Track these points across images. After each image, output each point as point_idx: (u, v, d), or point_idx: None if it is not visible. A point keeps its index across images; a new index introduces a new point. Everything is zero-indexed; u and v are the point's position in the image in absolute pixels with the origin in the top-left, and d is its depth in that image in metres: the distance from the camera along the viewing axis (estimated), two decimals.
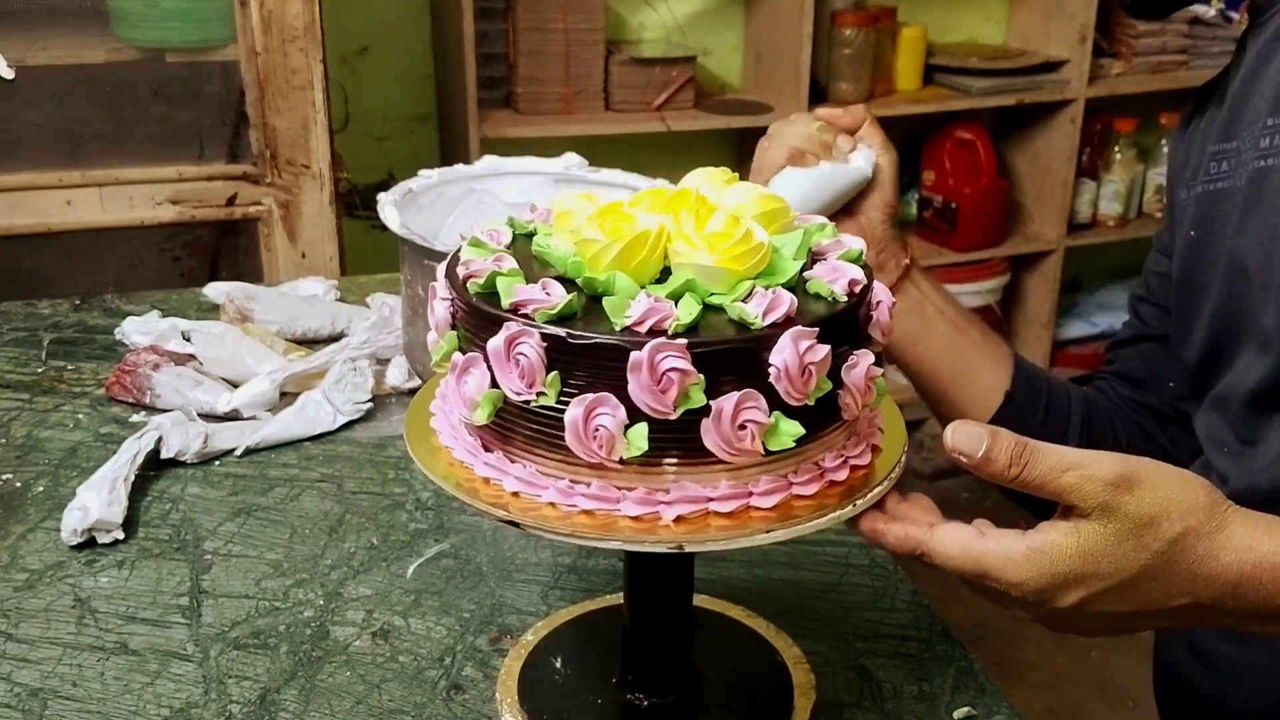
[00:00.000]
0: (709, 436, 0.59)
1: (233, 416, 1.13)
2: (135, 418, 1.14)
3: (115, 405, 1.16)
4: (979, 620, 2.41)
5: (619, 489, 0.61)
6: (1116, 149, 2.91)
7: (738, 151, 2.85)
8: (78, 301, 1.39)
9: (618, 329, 0.59)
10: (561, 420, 0.60)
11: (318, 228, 1.84)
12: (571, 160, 1.22)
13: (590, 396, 0.59)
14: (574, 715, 0.76)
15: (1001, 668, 2.24)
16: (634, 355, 0.58)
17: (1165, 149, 2.95)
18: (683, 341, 0.58)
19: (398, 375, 1.19)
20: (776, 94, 2.65)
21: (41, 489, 1.03)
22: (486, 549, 0.96)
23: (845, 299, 0.63)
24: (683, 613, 0.75)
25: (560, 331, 0.59)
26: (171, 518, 0.99)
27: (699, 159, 2.79)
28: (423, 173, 1.18)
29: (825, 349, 0.60)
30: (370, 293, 1.35)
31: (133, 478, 1.01)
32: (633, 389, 0.58)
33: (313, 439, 1.11)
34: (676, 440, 0.60)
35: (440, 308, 0.66)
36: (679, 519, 0.61)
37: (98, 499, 0.96)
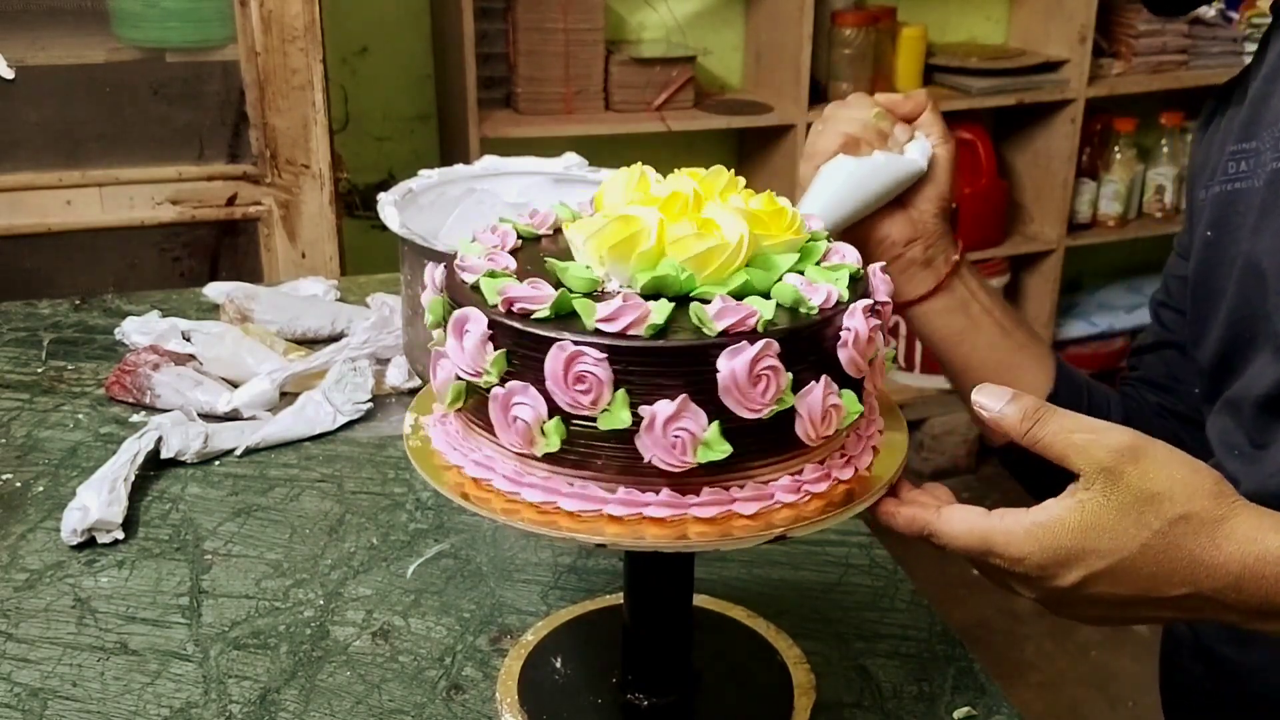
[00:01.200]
0: (643, 441, 0.59)
1: (233, 416, 1.13)
2: (135, 418, 1.14)
3: (115, 405, 1.16)
4: (979, 620, 2.41)
5: (566, 481, 0.62)
6: (1116, 149, 2.91)
7: (738, 151, 2.86)
8: (78, 301, 1.39)
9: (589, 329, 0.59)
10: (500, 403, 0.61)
11: (318, 228, 1.84)
12: (571, 160, 1.22)
13: (513, 383, 0.60)
14: (574, 715, 0.76)
15: (1001, 668, 2.24)
16: (551, 351, 0.58)
17: (1165, 149, 2.96)
18: (643, 343, 0.58)
19: (398, 375, 1.19)
20: (776, 94, 2.65)
21: (41, 489, 1.03)
22: (486, 549, 0.96)
23: (816, 313, 0.61)
24: (683, 613, 0.75)
25: (530, 328, 0.60)
26: (171, 518, 0.99)
27: (699, 159, 2.78)
28: (423, 173, 1.18)
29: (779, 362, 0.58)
30: (370, 293, 1.35)
31: (133, 478, 1.01)
32: (549, 384, 0.59)
33: (313, 439, 1.11)
34: (607, 443, 0.60)
35: (432, 285, 0.67)
36: (612, 518, 0.61)
37: (98, 499, 0.96)
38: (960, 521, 0.64)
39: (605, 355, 0.58)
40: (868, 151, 0.92)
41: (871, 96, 0.97)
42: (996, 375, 0.96)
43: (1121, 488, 0.60)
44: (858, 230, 0.94)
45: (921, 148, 0.94)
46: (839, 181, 0.91)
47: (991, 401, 0.64)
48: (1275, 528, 0.61)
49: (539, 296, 0.60)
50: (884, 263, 0.80)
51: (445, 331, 0.64)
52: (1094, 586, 0.62)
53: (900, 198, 0.95)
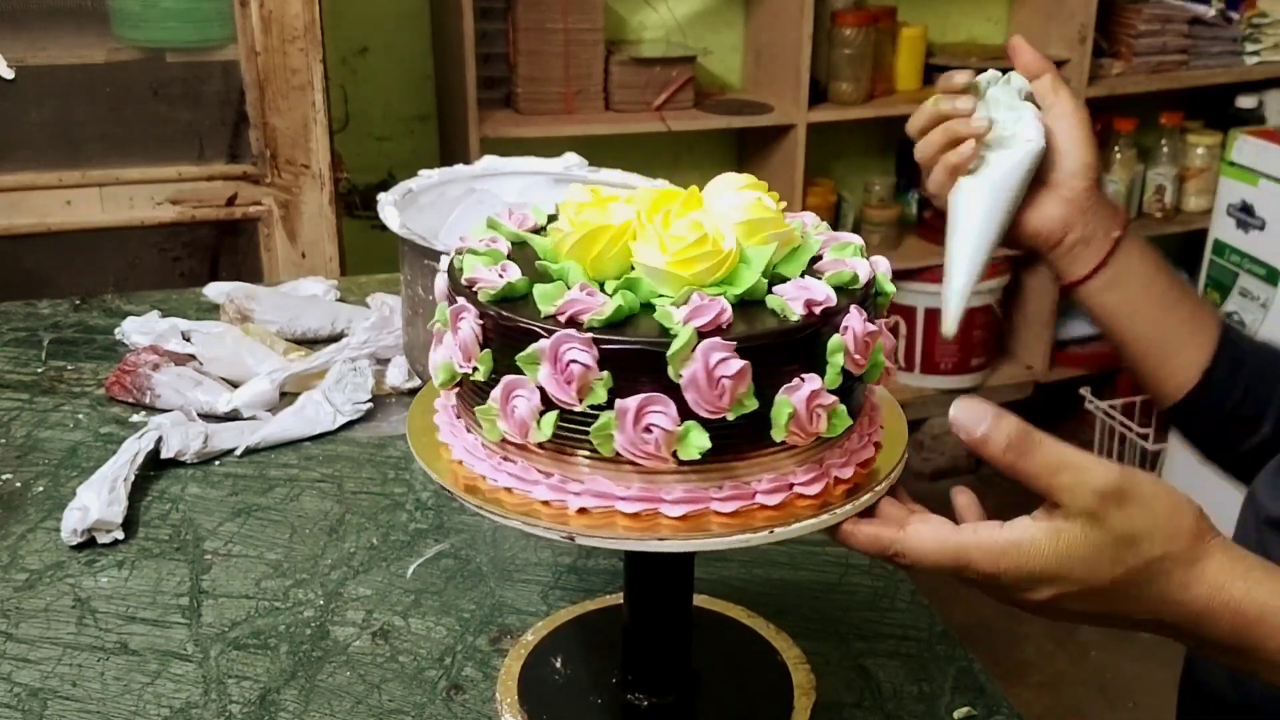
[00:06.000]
0: (615, 435, 0.59)
1: (233, 416, 1.13)
2: (135, 418, 1.14)
3: (115, 405, 1.16)
4: (979, 620, 2.41)
5: (538, 471, 0.62)
6: (1116, 149, 2.91)
7: (738, 151, 2.86)
8: (78, 301, 1.39)
9: (542, 316, 0.60)
10: (487, 395, 0.62)
11: (318, 228, 1.84)
12: (571, 160, 1.22)
13: (510, 378, 0.61)
14: (574, 715, 0.76)
15: (1001, 668, 2.24)
16: (541, 343, 0.59)
17: (1165, 149, 2.96)
18: (589, 336, 0.58)
19: (398, 375, 1.19)
20: (776, 94, 2.65)
21: (41, 489, 1.03)
22: (486, 549, 0.96)
23: (798, 318, 0.60)
24: (683, 613, 0.75)
25: (493, 311, 0.61)
26: (171, 518, 0.99)
27: (699, 159, 2.80)
28: (423, 173, 1.18)
29: (741, 364, 0.58)
30: (370, 293, 1.35)
31: (133, 478, 1.01)
32: (543, 376, 0.59)
33: (313, 439, 1.11)
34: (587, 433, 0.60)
35: (437, 287, 0.69)
36: (581, 510, 0.61)
37: (98, 499, 0.96)
38: (931, 538, 0.63)
39: (592, 347, 0.58)
40: (977, 163, 0.88)
41: (946, 77, 0.91)
42: (1154, 350, 0.93)
43: (1103, 528, 0.60)
44: (1013, 232, 0.91)
45: (1030, 122, 0.86)
46: (976, 214, 0.87)
47: (971, 423, 0.61)
48: (1245, 575, 0.62)
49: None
50: (1049, 252, 0.77)
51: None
52: (1063, 604, 0.62)
53: (1044, 178, 0.89)
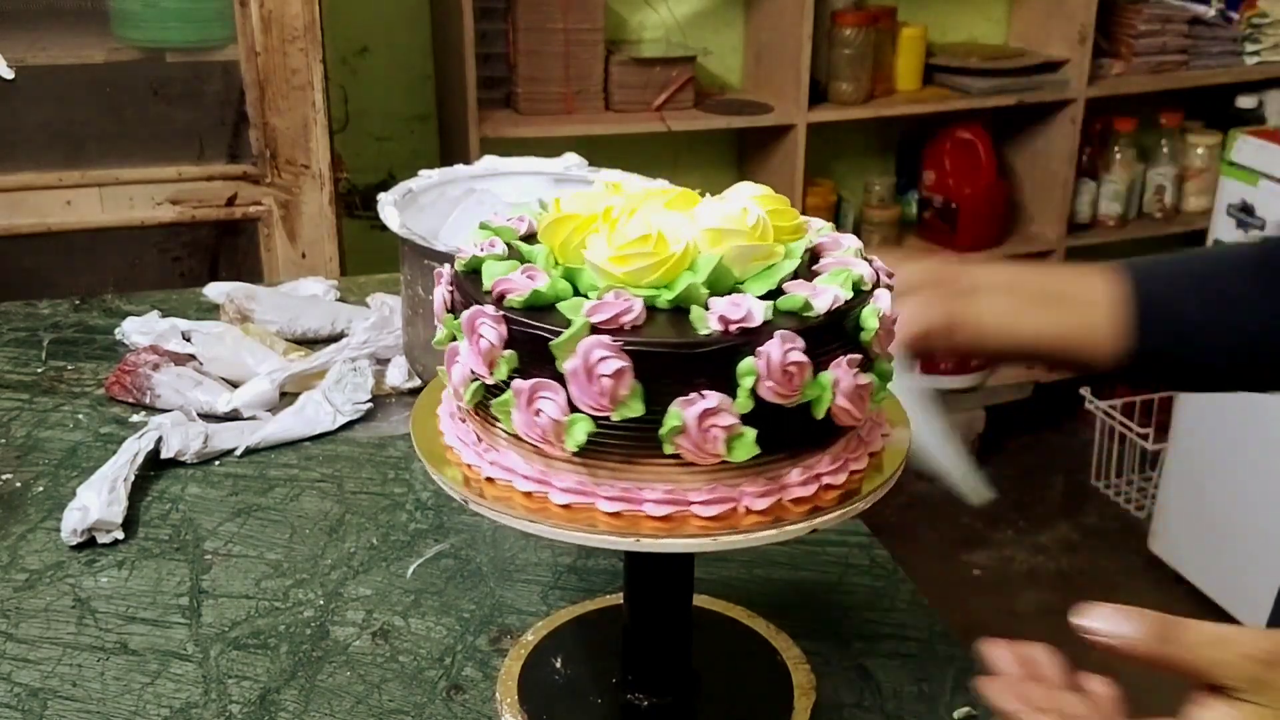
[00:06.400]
0: (513, 414, 0.61)
1: (233, 416, 1.13)
2: (135, 418, 1.14)
3: (115, 405, 1.16)
4: (979, 620, 2.41)
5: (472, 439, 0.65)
6: (1116, 149, 2.91)
7: (738, 151, 2.86)
8: (78, 301, 1.39)
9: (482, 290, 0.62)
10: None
11: (318, 228, 1.84)
12: (571, 160, 1.22)
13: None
14: (574, 715, 0.76)
15: None
16: (464, 314, 0.62)
17: (1165, 149, 2.96)
18: (500, 314, 0.61)
19: (398, 375, 1.19)
20: (776, 94, 2.65)
21: (41, 489, 1.03)
22: (486, 549, 0.96)
23: (708, 332, 0.59)
24: (683, 613, 0.75)
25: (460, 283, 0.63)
26: (171, 518, 0.99)
27: (699, 159, 2.80)
28: (423, 173, 1.18)
29: (620, 365, 0.57)
30: (370, 293, 1.35)
31: (133, 478, 1.01)
32: (462, 350, 0.63)
33: (313, 439, 1.11)
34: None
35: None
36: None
37: (98, 499, 0.96)
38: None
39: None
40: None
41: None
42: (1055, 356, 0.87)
43: (1274, 692, 0.57)
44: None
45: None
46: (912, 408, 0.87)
47: (1111, 628, 0.60)
48: None
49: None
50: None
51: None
52: None
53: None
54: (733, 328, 0.59)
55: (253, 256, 1.87)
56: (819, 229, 0.70)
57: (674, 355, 0.58)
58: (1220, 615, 2.37)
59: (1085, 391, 2.86)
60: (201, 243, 1.88)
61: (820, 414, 0.61)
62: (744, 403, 0.59)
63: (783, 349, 0.58)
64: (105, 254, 1.86)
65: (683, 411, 0.58)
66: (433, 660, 0.83)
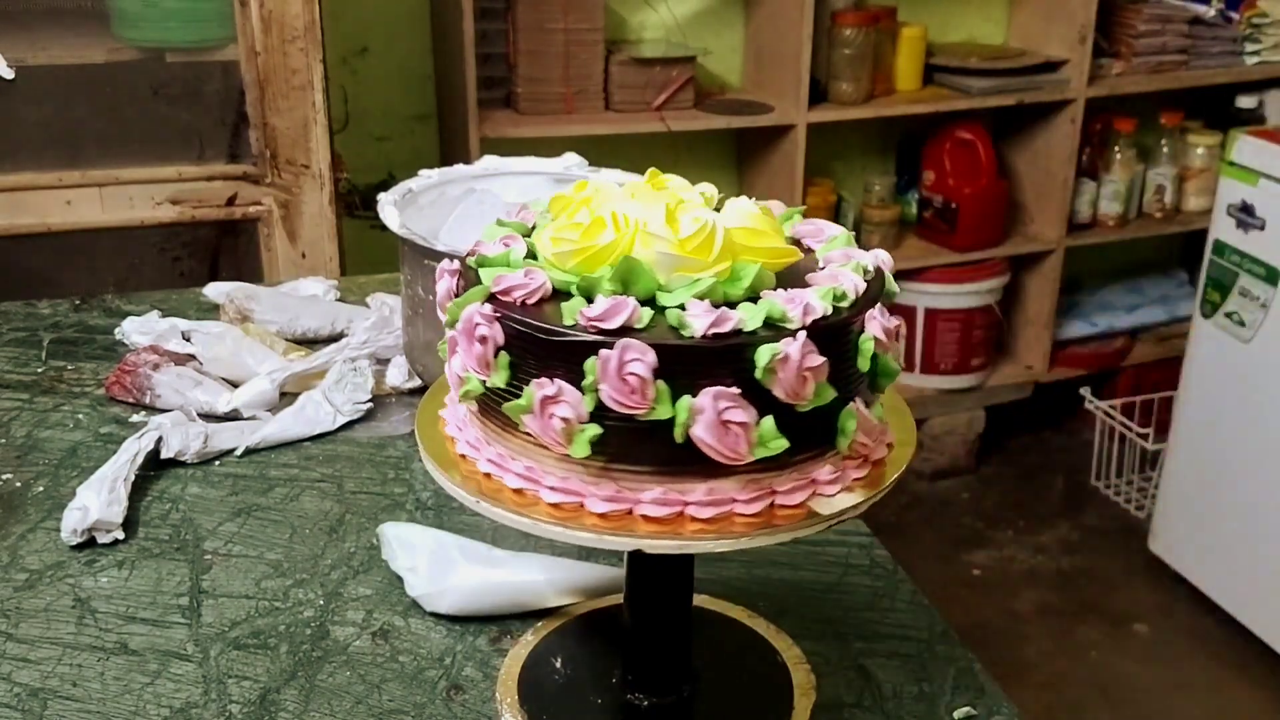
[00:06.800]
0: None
1: (233, 416, 1.13)
2: (135, 418, 1.14)
3: (115, 405, 1.16)
4: (979, 620, 2.41)
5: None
6: (1116, 149, 2.91)
7: (737, 152, 2.85)
8: (78, 301, 1.39)
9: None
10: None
11: (318, 228, 1.84)
12: (571, 160, 1.22)
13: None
14: (574, 715, 0.76)
15: (1001, 668, 2.24)
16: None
17: (1165, 149, 2.96)
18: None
19: (398, 375, 1.19)
20: (776, 94, 2.64)
21: (41, 489, 1.03)
22: None
23: (579, 324, 0.60)
24: (683, 613, 0.75)
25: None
26: (171, 518, 0.99)
27: (699, 159, 2.79)
28: (423, 173, 1.18)
29: (487, 332, 0.62)
30: (370, 293, 1.35)
31: (133, 478, 1.01)
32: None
33: (313, 439, 1.11)
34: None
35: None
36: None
37: (98, 499, 0.96)
38: None
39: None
40: None
41: None
42: None
43: None
44: None
45: None
46: None
47: None
48: None
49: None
50: None
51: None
52: None
53: None
54: (590, 324, 0.60)
55: (253, 256, 1.86)
56: (830, 238, 0.70)
57: (535, 337, 0.61)
58: (1220, 615, 2.37)
59: (1085, 391, 2.86)
60: (201, 243, 1.88)
61: (679, 437, 0.60)
62: (589, 399, 0.60)
63: (621, 357, 0.58)
64: (105, 254, 1.86)
65: (534, 393, 0.60)
66: (433, 660, 0.83)
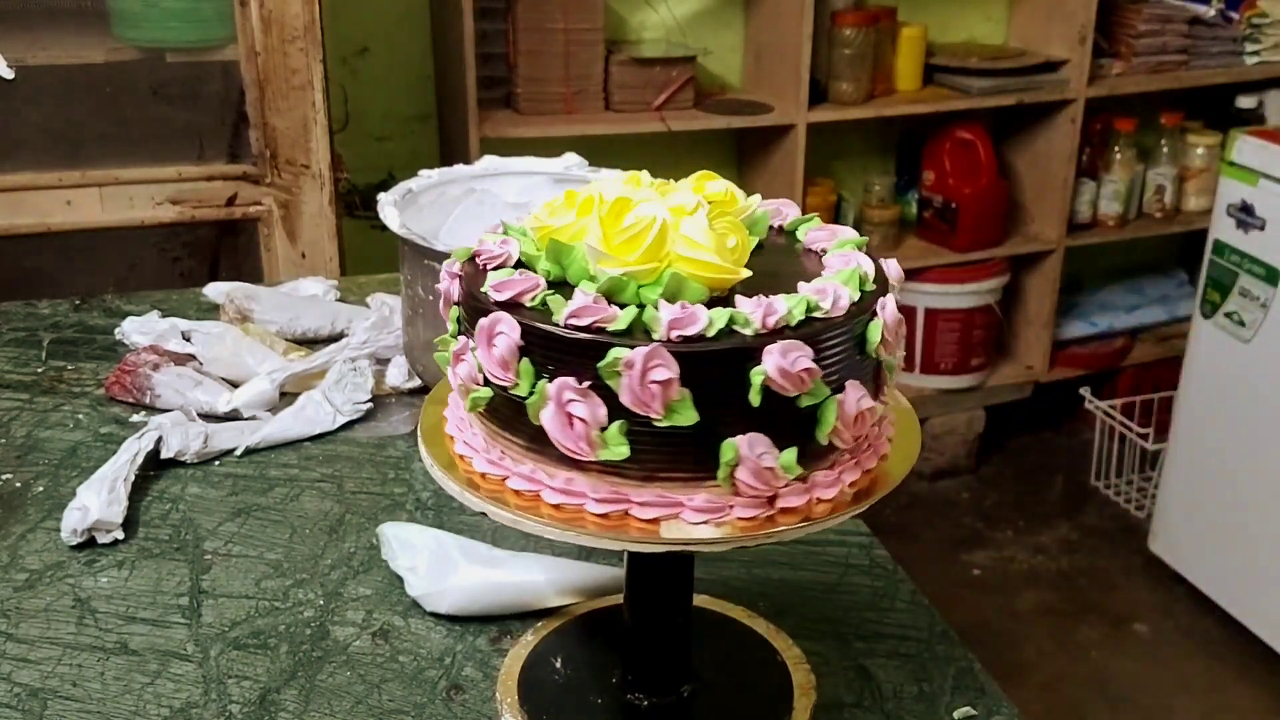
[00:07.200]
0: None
1: (233, 416, 1.13)
2: (135, 418, 1.14)
3: (115, 405, 1.16)
4: (979, 620, 2.41)
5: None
6: (1116, 149, 2.91)
7: (737, 151, 2.85)
8: (78, 301, 1.39)
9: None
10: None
11: (318, 228, 1.84)
12: (571, 160, 1.22)
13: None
14: (574, 715, 0.76)
15: (1001, 668, 2.24)
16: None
17: (1165, 149, 2.95)
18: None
19: (398, 375, 1.19)
20: (776, 94, 2.64)
21: (41, 489, 1.03)
22: None
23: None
24: (683, 613, 0.75)
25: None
26: (171, 518, 0.99)
27: (699, 159, 2.79)
28: (423, 173, 1.18)
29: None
30: (370, 293, 1.35)
31: (133, 478, 1.01)
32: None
33: (313, 439, 1.11)
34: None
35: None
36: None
37: (98, 499, 0.96)
38: None
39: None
40: None
41: None
42: None
43: None
44: None
45: None
46: None
47: None
48: None
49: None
50: None
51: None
52: None
53: None
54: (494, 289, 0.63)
55: (253, 256, 1.86)
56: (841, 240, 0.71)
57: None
58: (1220, 615, 2.37)
59: (1085, 391, 2.86)
60: (201, 243, 1.88)
61: (533, 418, 0.62)
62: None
63: (492, 330, 0.62)
64: (105, 254, 1.86)
65: (547, 388, 0.61)
66: (433, 660, 0.83)
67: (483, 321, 0.62)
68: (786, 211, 0.75)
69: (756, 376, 0.59)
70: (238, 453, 1.08)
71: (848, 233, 0.71)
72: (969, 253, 2.81)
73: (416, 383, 1.18)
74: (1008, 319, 3.01)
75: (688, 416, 0.59)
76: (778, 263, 0.70)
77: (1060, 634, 2.38)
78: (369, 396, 1.15)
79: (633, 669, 0.76)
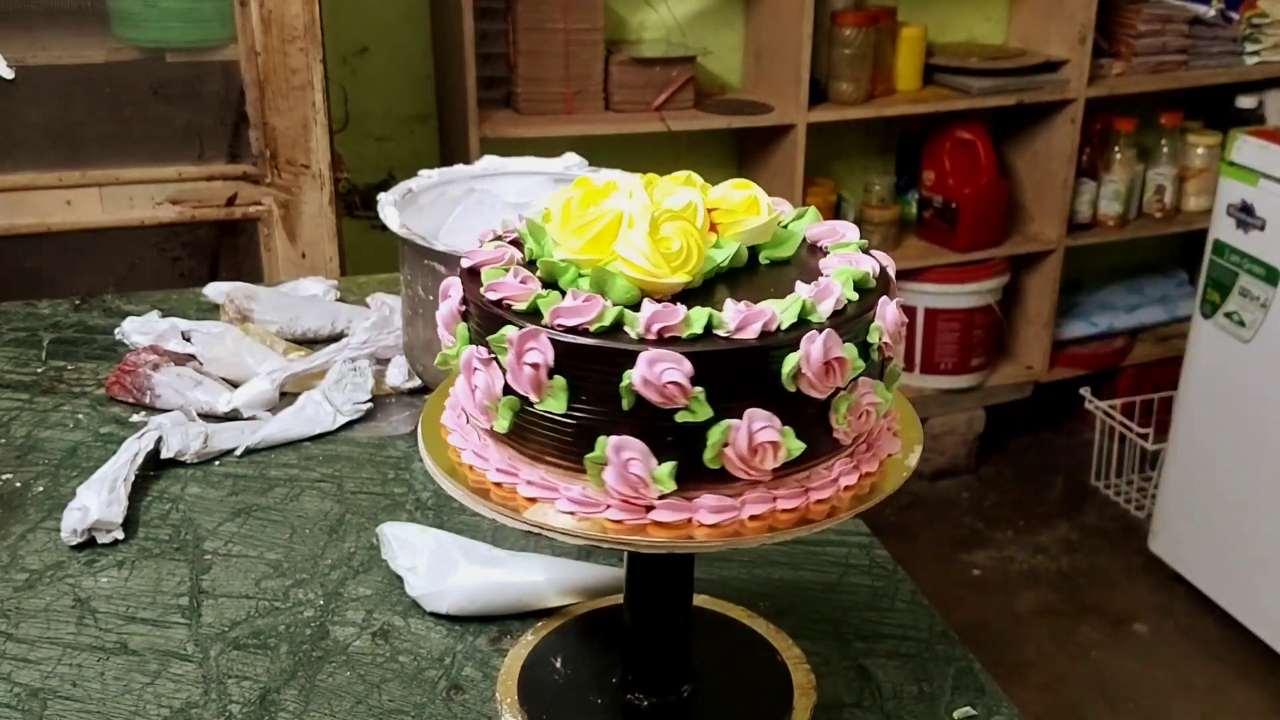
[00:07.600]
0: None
1: (233, 416, 1.13)
2: (135, 418, 1.14)
3: (115, 405, 1.16)
4: (979, 620, 2.41)
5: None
6: (1116, 149, 2.91)
7: (737, 151, 2.85)
8: (78, 301, 1.39)
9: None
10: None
11: (318, 228, 1.84)
12: (571, 160, 1.22)
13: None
14: (574, 715, 0.76)
15: (1001, 668, 2.24)
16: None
17: (1165, 149, 2.96)
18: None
19: (398, 375, 1.19)
20: (776, 94, 2.64)
21: (41, 489, 1.03)
22: None
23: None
24: (683, 613, 0.75)
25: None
26: (171, 518, 0.99)
27: (699, 159, 2.79)
28: (423, 173, 1.18)
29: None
30: (370, 293, 1.35)
31: (133, 478, 1.01)
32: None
33: (313, 439, 1.11)
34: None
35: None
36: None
37: (98, 499, 0.96)
38: None
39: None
40: None
41: None
42: None
43: None
44: None
45: None
46: None
47: None
48: None
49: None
50: None
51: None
52: None
53: None
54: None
55: (253, 256, 1.86)
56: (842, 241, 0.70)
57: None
58: (1220, 615, 2.37)
59: (1085, 391, 2.86)
60: (201, 243, 1.88)
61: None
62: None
63: (450, 298, 0.66)
64: (105, 254, 1.86)
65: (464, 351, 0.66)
66: (433, 660, 0.83)
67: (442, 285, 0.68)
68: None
69: (625, 380, 0.59)
70: (238, 453, 1.08)
71: (850, 231, 0.71)
72: (969, 253, 2.81)
73: (416, 383, 1.18)
74: (1008, 319, 3.01)
75: (558, 405, 0.61)
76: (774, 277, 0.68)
77: (1060, 634, 2.38)
78: (369, 396, 1.15)
79: (633, 669, 0.76)
